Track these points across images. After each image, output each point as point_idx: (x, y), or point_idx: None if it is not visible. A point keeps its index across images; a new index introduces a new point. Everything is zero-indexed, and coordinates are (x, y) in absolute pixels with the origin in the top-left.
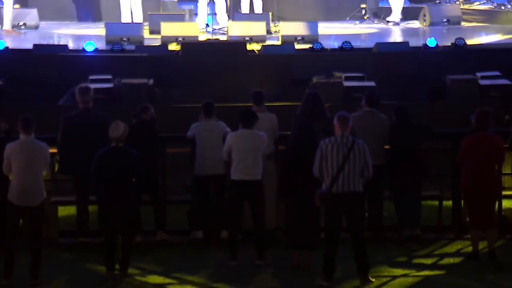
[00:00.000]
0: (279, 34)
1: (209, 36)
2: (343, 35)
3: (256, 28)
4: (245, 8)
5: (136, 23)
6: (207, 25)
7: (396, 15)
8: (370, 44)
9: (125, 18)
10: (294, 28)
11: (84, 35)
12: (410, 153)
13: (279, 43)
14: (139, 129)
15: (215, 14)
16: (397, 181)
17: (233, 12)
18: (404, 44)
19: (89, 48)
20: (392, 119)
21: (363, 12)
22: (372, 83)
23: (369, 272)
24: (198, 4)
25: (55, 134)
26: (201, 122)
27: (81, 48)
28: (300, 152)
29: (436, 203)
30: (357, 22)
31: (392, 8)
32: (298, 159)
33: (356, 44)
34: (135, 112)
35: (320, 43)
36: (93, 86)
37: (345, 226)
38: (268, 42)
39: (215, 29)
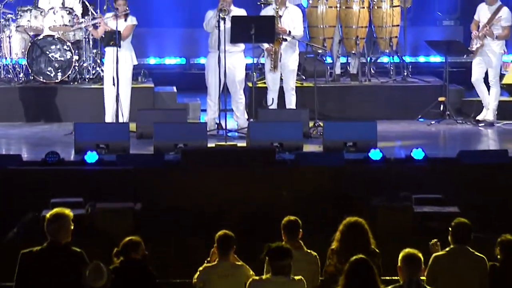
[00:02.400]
0: (322, 138)
1: (222, 142)
2: (412, 139)
3: (289, 130)
4: (272, 102)
5: (119, 123)
6: (219, 125)
7: (489, 112)
8: (451, 152)
9: (109, 116)
10: (343, 129)
11: (43, 141)
12: None
13: (321, 150)
14: (127, 274)
15: (231, 110)
16: None
17: (256, 107)
18: (501, 152)
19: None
20: (496, 259)
21: (442, 107)
22: (455, 209)
23: None
24: (207, 97)
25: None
26: (214, 264)
27: (39, 159)
28: None
29: None
30: (433, 121)
31: (483, 102)
32: None
33: (431, 152)
34: (118, 249)
35: (380, 151)
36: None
37: None
38: (306, 149)
39: (230, 130)
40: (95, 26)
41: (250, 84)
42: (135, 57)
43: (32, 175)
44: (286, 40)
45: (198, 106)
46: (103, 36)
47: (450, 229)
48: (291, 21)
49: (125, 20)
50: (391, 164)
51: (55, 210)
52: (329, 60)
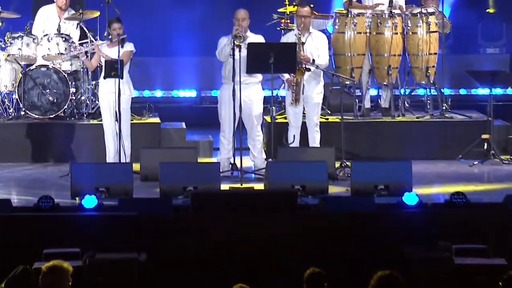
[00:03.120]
0: (350, 180)
1: (237, 184)
2: (452, 182)
3: (312, 171)
4: (294, 140)
5: (121, 163)
6: (234, 165)
7: None
8: (497, 197)
9: (111, 155)
10: (374, 170)
11: (35, 184)
12: None
13: (349, 193)
14: None
15: (247, 148)
16: None
17: (276, 145)
18: None
19: (89, 204)
20: None
21: (485, 146)
22: (501, 261)
23: None
24: (220, 134)
25: None
26: None
27: (31, 204)
28: None
29: None
30: (476, 162)
31: None
32: None
33: (474, 197)
34: None
35: (416, 195)
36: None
37: None
38: (331, 191)
39: (246, 171)
40: (88, 55)
41: (268, 119)
42: (133, 88)
43: (23, 222)
44: (309, 70)
45: (210, 144)
46: (103, 66)
47: (500, 284)
48: (315, 48)
49: (122, 47)
50: (428, 210)
51: (52, 262)
52: (357, 92)
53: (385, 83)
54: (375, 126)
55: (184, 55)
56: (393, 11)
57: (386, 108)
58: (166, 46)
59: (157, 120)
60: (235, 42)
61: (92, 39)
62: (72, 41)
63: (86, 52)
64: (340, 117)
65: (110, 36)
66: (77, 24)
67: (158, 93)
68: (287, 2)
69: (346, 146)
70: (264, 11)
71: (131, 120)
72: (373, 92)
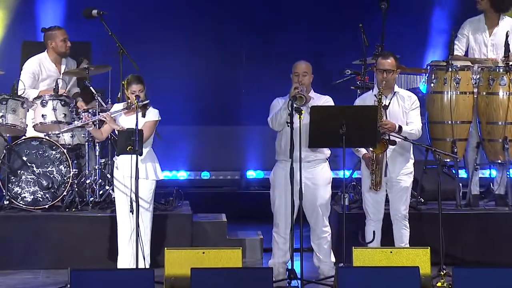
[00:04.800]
0: None
1: None
2: None
3: (400, 279)
4: (374, 237)
5: (139, 269)
6: (292, 271)
7: None
8: None
9: (124, 258)
10: (484, 280)
11: None
12: None
13: None
14: None
15: (310, 249)
16: None
17: (349, 245)
18: None
19: None
20: None
21: None
22: None
23: None
24: (273, 230)
25: None
26: None
27: None
28: None
29: None
30: None
31: None
32: None
33: None
34: None
35: None
36: None
37: None
38: None
39: (309, 281)
40: (96, 123)
41: (338, 210)
42: (160, 169)
43: None
44: (394, 142)
45: (260, 242)
46: (114, 137)
47: None
48: (402, 113)
49: (143, 115)
50: None
51: None
52: (461, 173)
53: (499, 161)
54: (486, 220)
55: (215, 124)
56: (510, 63)
57: (501, 195)
58: (190, 112)
59: (187, 211)
60: (294, 105)
61: (102, 102)
62: (75, 106)
63: (94, 122)
64: (437, 208)
65: (128, 101)
66: (84, 82)
67: (183, 174)
68: (364, 52)
69: (446, 246)
70: (332, 64)
71: (154, 212)
72: (483, 173)
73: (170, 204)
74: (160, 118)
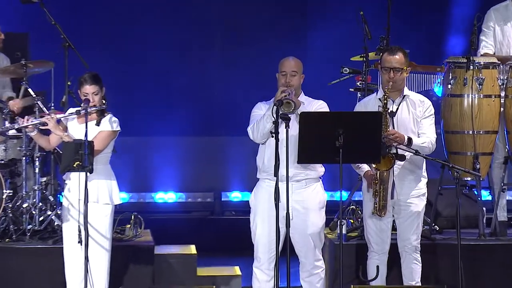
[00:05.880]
0: None
1: None
2: None
3: None
4: (377, 274)
5: None
6: None
7: None
8: None
9: None
10: None
11: None
12: None
13: None
14: None
15: None
16: None
17: (347, 282)
18: None
19: None
20: None
21: None
22: None
23: None
24: (254, 264)
25: None
26: None
27: None
28: None
29: None
30: None
31: None
32: None
33: None
34: None
35: None
36: None
37: None
38: None
39: None
40: (42, 128)
41: (334, 240)
42: (118, 191)
43: None
44: (403, 157)
45: (237, 280)
46: (57, 151)
47: None
48: (413, 122)
49: (98, 124)
50: None
51: None
52: (485, 195)
53: None
54: None
55: (188, 135)
56: None
57: None
58: (168, 123)
59: (149, 241)
60: (279, 111)
61: (42, 107)
62: (9, 111)
63: (37, 125)
64: (455, 237)
65: (81, 105)
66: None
67: (142, 196)
68: (365, 47)
69: (466, 283)
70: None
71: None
72: (511, 195)
73: (127, 233)
74: (119, 129)
